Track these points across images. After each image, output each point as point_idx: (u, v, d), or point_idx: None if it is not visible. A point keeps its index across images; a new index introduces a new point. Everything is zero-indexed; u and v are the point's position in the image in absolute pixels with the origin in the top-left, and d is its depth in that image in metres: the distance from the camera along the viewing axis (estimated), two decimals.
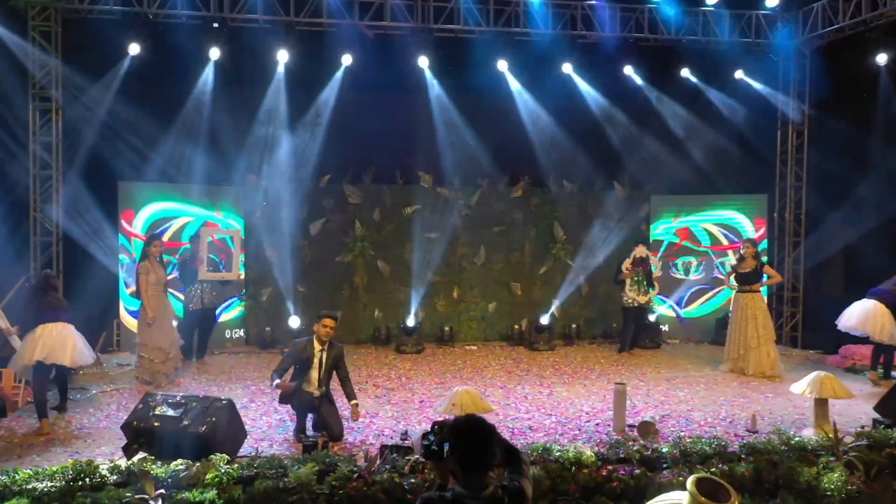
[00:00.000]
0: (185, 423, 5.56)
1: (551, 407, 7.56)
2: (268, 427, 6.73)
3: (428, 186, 11.41)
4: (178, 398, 5.79)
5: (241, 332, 10.96)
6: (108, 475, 5.14)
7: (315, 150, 10.76)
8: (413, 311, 10.88)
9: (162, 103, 9.96)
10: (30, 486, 4.98)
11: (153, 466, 5.21)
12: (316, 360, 6.47)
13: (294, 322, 10.26)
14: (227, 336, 10.77)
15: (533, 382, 8.70)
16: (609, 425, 6.77)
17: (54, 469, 5.11)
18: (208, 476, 5.13)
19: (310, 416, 6.46)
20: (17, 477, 5.06)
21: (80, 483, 5.05)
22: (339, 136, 10.81)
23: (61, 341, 6.51)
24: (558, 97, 11.04)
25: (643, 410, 7.37)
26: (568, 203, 11.83)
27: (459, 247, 11.52)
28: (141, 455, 5.56)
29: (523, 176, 11.69)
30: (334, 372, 6.61)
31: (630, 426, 6.67)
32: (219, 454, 5.36)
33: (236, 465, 5.31)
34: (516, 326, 11.50)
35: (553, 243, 11.81)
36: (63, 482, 5.03)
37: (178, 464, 5.25)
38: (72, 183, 9.93)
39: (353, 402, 6.51)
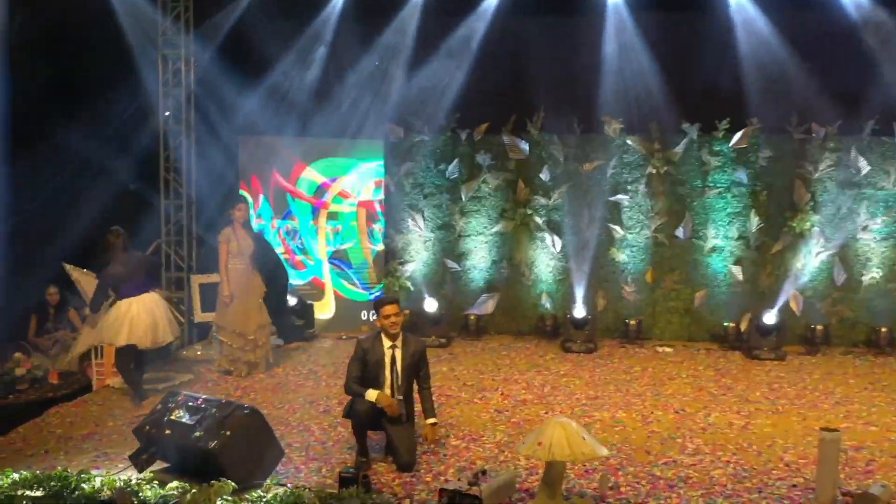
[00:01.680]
0: (197, 434, 4.92)
1: (736, 449, 5.85)
2: (329, 443, 5.88)
3: (615, 136, 9.84)
4: (199, 401, 5.15)
5: None
6: (94, 489, 4.63)
7: (468, 92, 9.68)
8: (582, 298, 9.44)
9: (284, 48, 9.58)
10: (16, 493, 4.63)
11: (146, 487, 4.62)
12: (387, 360, 5.48)
13: (430, 305, 9.39)
14: (363, 318, 10.21)
15: (727, 407, 6.95)
16: (812, 490, 4.97)
17: (50, 476, 4.73)
18: None
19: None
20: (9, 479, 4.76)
21: (66, 496, 4.60)
22: (498, 74, 9.64)
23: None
24: (799, 4, 8.82)
25: (876, 472, 5.39)
26: (816, 155, 9.52)
27: (656, 215, 9.80)
28: (158, 467, 5.06)
29: (749, 119, 9.59)
30: (414, 378, 5.59)
31: (846, 494, 4.83)
32: (225, 480, 4.62)
33: (245, 497, 4.51)
34: (731, 324, 9.55)
35: (792, 211, 9.61)
36: (46, 493, 4.62)
37: (174, 487, 4.65)
38: (203, 142, 9.93)
39: (431, 420, 5.52)
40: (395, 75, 9.79)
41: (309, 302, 9.67)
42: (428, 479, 5.19)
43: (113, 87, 9.05)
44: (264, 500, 4.53)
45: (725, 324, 9.52)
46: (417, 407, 5.72)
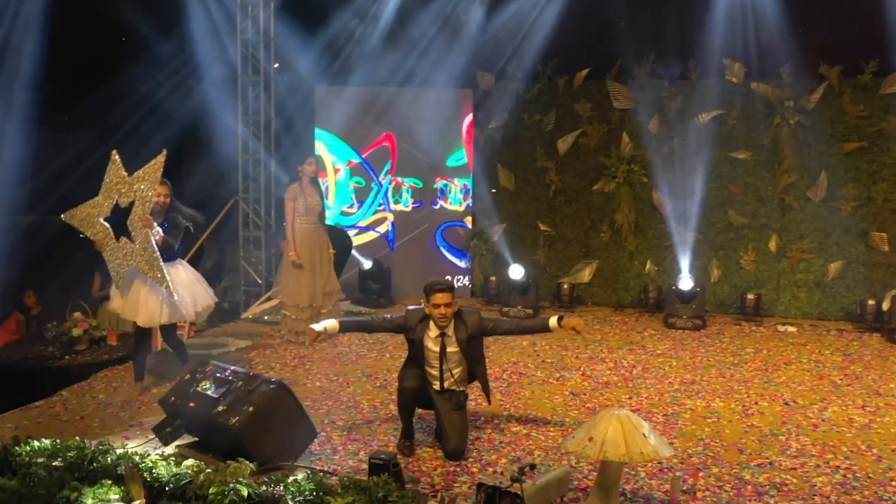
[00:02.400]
0: (220, 408, 4.75)
1: (850, 452, 5.16)
2: (377, 423, 5.62)
3: (738, 81, 9.01)
4: (227, 372, 4.98)
5: (467, 281, 10.01)
6: (109, 463, 4.56)
7: (566, 35, 9.08)
8: (690, 267, 8.76)
9: None
10: (34, 461, 4.63)
11: (162, 464, 4.50)
12: (435, 350, 5.12)
13: (516, 272, 8.95)
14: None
15: (850, 400, 6.21)
16: None
17: (69, 446, 4.69)
18: (211, 491, 4.24)
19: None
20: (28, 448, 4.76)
21: (83, 467, 4.56)
22: (601, 13, 8.96)
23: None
24: None
25: None
26: None
27: (784, 173, 8.94)
28: (186, 440, 4.96)
29: None
30: (478, 350, 5.24)
31: None
32: (242, 460, 4.43)
33: (263, 480, 4.31)
34: (871, 302, 8.61)
35: None
36: (65, 463, 4.59)
37: (189, 465, 4.48)
38: (282, 93, 9.87)
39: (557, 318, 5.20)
40: (484, 18, 9.29)
41: (387, 266, 9.43)
42: (475, 469, 4.83)
43: (179, 34, 9.02)
44: (281, 484, 4.30)
45: (863, 301, 8.56)
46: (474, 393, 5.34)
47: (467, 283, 9.98)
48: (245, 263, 9.68)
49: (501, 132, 9.76)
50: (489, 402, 5.40)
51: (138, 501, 4.23)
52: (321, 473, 4.61)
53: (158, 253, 5.80)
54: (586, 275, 9.52)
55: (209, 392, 4.86)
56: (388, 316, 5.32)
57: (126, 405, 5.84)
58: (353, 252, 9.22)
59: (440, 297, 4.99)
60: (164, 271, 5.79)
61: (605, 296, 9.55)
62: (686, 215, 9.12)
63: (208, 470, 4.39)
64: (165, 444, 4.92)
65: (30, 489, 4.44)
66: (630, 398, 6.21)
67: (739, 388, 6.46)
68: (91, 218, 5.96)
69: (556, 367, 7.01)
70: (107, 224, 5.95)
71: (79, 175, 8.46)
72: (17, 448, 4.69)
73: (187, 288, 6.04)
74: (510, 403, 6.03)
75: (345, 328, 5.38)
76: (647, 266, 9.36)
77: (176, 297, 5.86)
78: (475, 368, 5.16)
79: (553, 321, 5.17)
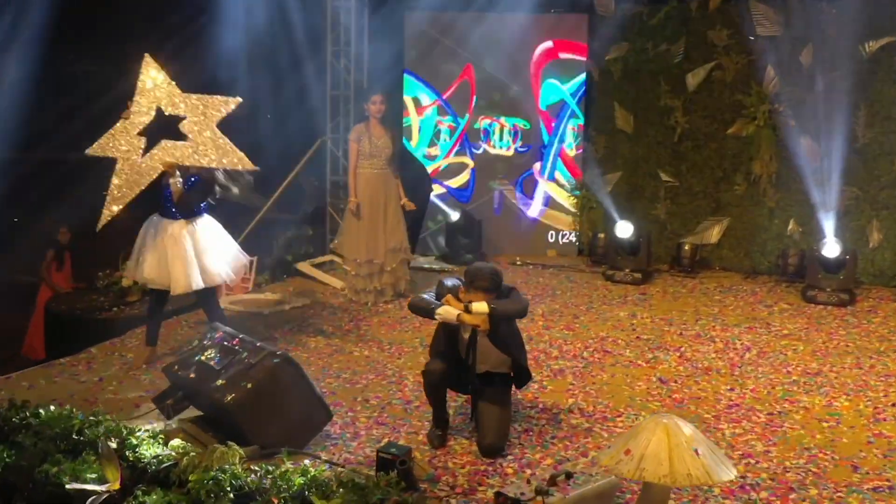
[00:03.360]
0: (219, 382, 4.48)
1: None
2: (416, 403, 5.21)
3: None
4: (235, 340, 4.70)
5: (573, 237, 9.37)
6: (96, 435, 4.40)
7: None
8: (836, 229, 7.74)
9: None
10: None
11: (148, 442, 4.31)
12: (464, 337, 4.62)
13: (623, 230, 8.22)
14: (554, 240, 9.32)
15: None
16: None
17: (60, 415, 4.58)
18: (191, 478, 3.99)
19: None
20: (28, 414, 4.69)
21: (70, 439, 4.43)
22: None
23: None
24: None
25: None
26: None
27: None
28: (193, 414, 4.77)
29: None
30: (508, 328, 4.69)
31: None
32: (231, 444, 4.16)
33: (254, 468, 4.02)
34: None
35: None
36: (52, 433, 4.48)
37: (176, 446, 4.26)
38: (377, 21, 9.46)
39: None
40: None
41: (478, 218, 8.93)
42: (509, 470, 4.34)
43: None
44: (270, 475, 3.97)
45: None
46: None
47: (573, 238, 9.31)
48: (332, 210, 9.46)
49: (620, 65, 8.97)
50: (517, 386, 4.83)
51: (111, 484, 4.03)
52: (326, 464, 4.28)
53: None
54: (714, 234, 8.66)
55: (212, 362, 4.60)
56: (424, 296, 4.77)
57: (149, 369, 5.69)
58: (435, 200, 8.77)
59: (479, 297, 4.46)
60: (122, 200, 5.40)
61: (736, 260, 8.65)
62: (841, 166, 8.03)
63: (192, 454, 4.14)
64: (167, 417, 4.72)
65: (12, 459, 4.33)
66: (731, 390, 5.48)
67: (876, 385, 5.58)
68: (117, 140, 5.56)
69: (651, 345, 6.34)
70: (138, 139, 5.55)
71: None
72: (9, 413, 4.60)
73: (213, 247, 5.70)
74: (580, 388, 5.46)
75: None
76: (790, 226, 8.38)
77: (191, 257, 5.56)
78: (507, 348, 4.60)
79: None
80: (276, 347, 4.62)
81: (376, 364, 5.83)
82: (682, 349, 6.25)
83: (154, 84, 5.52)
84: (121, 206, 5.39)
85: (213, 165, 5.49)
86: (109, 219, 5.43)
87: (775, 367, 5.92)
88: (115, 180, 5.44)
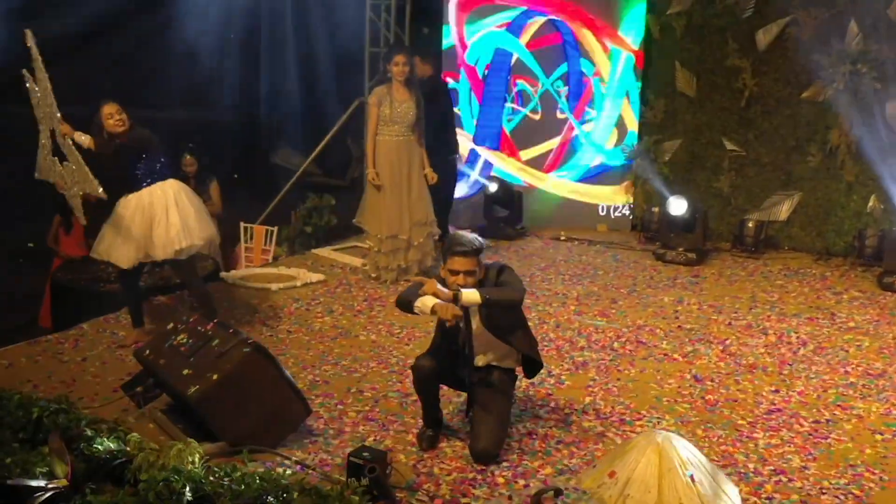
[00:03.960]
0: (186, 371, 4.27)
1: None
2: (413, 397, 4.90)
3: None
4: (209, 325, 4.48)
5: (627, 210, 8.92)
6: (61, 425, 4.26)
7: None
8: None
9: None
10: None
11: (105, 436, 4.13)
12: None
13: (676, 206, 7.73)
14: (606, 214, 8.88)
15: None
16: None
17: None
18: (141, 477, 3.80)
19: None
20: None
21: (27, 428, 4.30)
22: None
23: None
24: None
25: None
26: None
27: None
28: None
29: None
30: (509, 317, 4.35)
31: None
32: (190, 441, 3.96)
33: (214, 469, 3.81)
34: None
35: None
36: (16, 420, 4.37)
37: (134, 440, 4.07)
38: None
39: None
40: None
41: (517, 189, 8.55)
42: (501, 479, 4.02)
43: None
44: (228, 476, 3.75)
45: None
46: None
47: (627, 212, 8.85)
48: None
49: (684, 20, 8.40)
50: (527, 376, 4.50)
51: (59, 480, 3.86)
52: (298, 465, 4.05)
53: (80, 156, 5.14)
54: (783, 211, 8.10)
55: (182, 348, 4.40)
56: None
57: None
58: (463, 167, 8.43)
59: (458, 262, 4.11)
60: (92, 177, 5.09)
61: (808, 240, 8.08)
62: None
63: (146, 450, 3.95)
64: (138, 405, 4.54)
65: None
66: (775, 391, 5.04)
67: None
68: (45, 165, 5.38)
69: (693, 336, 5.91)
70: (54, 158, 5.32)
71: None
72: None
73: (179, 214, 5.36)
74: (601, 385, 5.08)
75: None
76: (870, 203, 7.76)
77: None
78: (507, 336, 4.26)
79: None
80: (246, 336, 4.33)
81: (381, 350, 5.55)
82: (728, 342, 5.80)
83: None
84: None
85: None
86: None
87: (832, 365, 5.44)
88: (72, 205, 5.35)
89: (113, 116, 5.20)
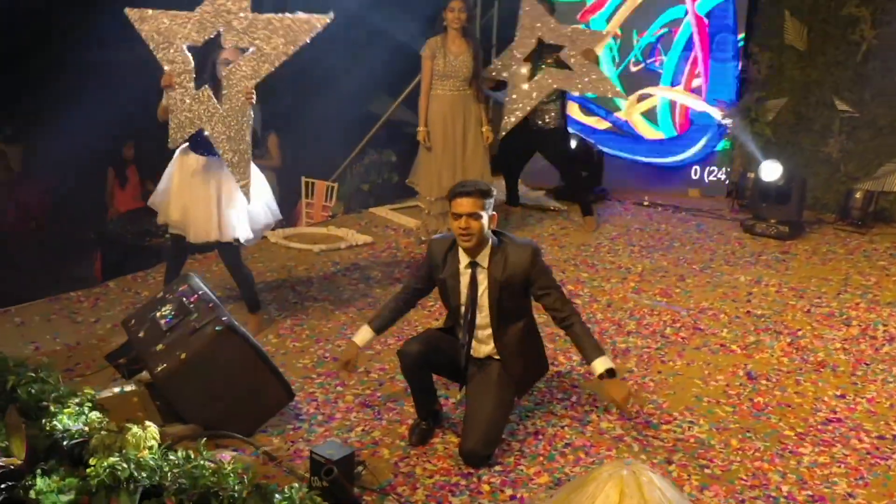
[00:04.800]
0: (159, 347, 3.97)
1: None
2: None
3: None
4: (194, 297, 4.15)
5: (723, 175, 8.10)
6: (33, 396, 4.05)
7: None
8: None
9: None
10: None
11: (68, 411, 3.88)
12: (462, 286, 3.81)
13: (769, 172, 6.89)
14: (699, 177, 8.10)
15: None
16: None
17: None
18: (91, 461, 3.53)
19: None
20: None
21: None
22: None
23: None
24: None
25: None
26: None
27: None
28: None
29: None
30: (516, 313, 3.83)
31: None
32: (148, 425, 3.66)
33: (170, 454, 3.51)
34: None
35: None
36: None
37: (94, 419, 3.81)
38: None
39: (601, 365, 3.64)
40: None
41: (599, 148, 7.85)
42: (485, 488, 3.55)
43: None
44: (179, 466, 3.43)
45: None
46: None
47: (722, 176, 8.03)
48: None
49: None
50: (602, 354, 3.76)
51: (11, 459, 3.63)
52: (267, 457, 3.71)
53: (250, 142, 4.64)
54: None
55: (163, 321, 4.09)
56: (413, 271, 4.03)
57: None
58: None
59: (461, 204, 3.64)
60: (250, 168, 4.67)
61: None
62: None
63: (104, 432, 3.66)
64: (124, 377, 4.28)
65: None
66: (840, 397, 4.33)
67: None
68: (171, 34, 4.61)
69: (761, 324, 5.20)
70: (189, 56, 4.65)
71: None
72: None
73: (224, 203, 4.82)
74: (637, 379, 4.51)
75: (382, 327, 4.02)
76: None
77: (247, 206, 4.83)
78: (557, 315, 3.75)
79: (597, 365, 3.62)
80: (225, 312, 3.96)
81: (406, 325, 5.10)
82: (800, 333, 5.08)
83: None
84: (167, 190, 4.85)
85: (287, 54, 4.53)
86: None
87: None
88: (171, 118, 4.67)
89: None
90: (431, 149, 6.26)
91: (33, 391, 4.03)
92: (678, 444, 3.86)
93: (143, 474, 3.39)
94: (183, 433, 3.82)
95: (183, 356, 3.78)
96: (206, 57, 4.68)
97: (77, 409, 3.86)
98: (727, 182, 8.03)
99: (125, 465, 3.38)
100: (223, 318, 3.86)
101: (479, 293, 3.75)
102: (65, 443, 3.67)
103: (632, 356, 4.75)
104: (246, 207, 4.87)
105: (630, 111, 8.11)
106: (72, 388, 4.03)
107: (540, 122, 6.76)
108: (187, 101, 4.63)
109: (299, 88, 8.51)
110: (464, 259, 3.75)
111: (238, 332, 3.84)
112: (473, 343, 3.87)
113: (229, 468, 3.38)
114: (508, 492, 3.50)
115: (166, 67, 4.64)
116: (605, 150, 7.99)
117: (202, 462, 3.45)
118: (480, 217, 3.62)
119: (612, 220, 7.26)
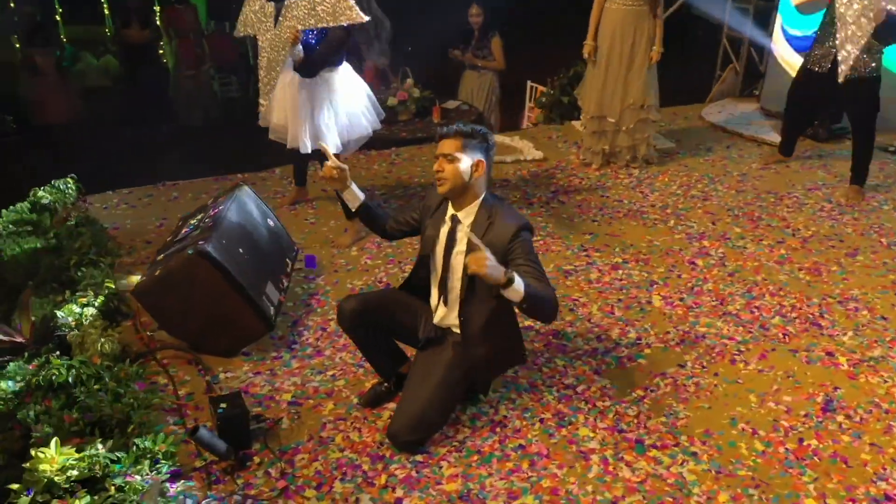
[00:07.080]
0: (159, 257, 3.97)
1: None
2: None
3: None
4: (214, 211, 4.07)
5: None
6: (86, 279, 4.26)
7: None
8: None
9: None
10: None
11: (81, 300, 4.01)
12: (440, 238, 3.27)
13: None
14: None
15: None
16: None
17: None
18: (55, 361, 3.62)
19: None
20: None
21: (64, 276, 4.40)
22: None
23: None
24: None
25: None
26: None
27: None
28: None
29: None
30: (489, 287, 3.17)
31: None
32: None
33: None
34: None
35: None
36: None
37: (75, 313, 3.88)
38: None
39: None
40: None
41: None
42: (380, 480, 3.08)
43: None
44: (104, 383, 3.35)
45: None
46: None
47: None
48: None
49: None
50: (483, 394, 3.40)
51: (16, 336, 3.85)
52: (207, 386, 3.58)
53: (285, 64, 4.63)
54: None
55: (184, 230, 4.06)
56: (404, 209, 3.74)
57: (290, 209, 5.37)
58: None
59: (440, 145, 3.16)
60: (272, 85, 4.65)
61: None
62: None
63: (75, 331, 3.75)
64: None
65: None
66: (885, 434, 3.15)
67: None
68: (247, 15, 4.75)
69: (841, 340, 3.91)
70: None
71: None
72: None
73: (344, 107, 4.83)
74: (676, 380, 3.65)
75: (369, 205, 3.51)
76: None
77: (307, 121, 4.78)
78: (472, 301, 3.19)
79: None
80: (208, 237, 3.74)
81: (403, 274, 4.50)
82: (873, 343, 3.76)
83: None
84: (270, 95, 4.71)
85: (326, 24, 4.48)
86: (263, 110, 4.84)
87: None
88: (260, 67, 4.67)
89: None
90: (596, 64, 5.71)
91: (91, 273, 4.15)
92: (646, 481, 3.02)
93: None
94: (168, 342, 3.81)
95: (157, 273, 3.71)
96: None
97: (84, 300, 3.95)
98: None
99: (60, 369, 3.35)
100: (199, 243, 3.67)
101: (454, 253, 3.17)
102: (58, 331, 3.79)
103: (700, 346, 3.84)
104: (337, 120, 4.82)
105: None
106: (102, 278, 4.12)
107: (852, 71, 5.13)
108: (257, 4, 4.63)
109: None
110: (450, 210, 3.25)
111: (211, 258, 3.63)
112: (440, 307, 3.31)
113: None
114: (400, 492, 2.99)
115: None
116: None
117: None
118: (457, 160, 3.08)
119: (823, 167, 5.91)
